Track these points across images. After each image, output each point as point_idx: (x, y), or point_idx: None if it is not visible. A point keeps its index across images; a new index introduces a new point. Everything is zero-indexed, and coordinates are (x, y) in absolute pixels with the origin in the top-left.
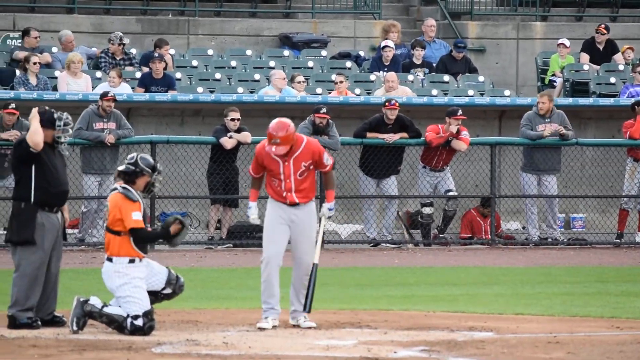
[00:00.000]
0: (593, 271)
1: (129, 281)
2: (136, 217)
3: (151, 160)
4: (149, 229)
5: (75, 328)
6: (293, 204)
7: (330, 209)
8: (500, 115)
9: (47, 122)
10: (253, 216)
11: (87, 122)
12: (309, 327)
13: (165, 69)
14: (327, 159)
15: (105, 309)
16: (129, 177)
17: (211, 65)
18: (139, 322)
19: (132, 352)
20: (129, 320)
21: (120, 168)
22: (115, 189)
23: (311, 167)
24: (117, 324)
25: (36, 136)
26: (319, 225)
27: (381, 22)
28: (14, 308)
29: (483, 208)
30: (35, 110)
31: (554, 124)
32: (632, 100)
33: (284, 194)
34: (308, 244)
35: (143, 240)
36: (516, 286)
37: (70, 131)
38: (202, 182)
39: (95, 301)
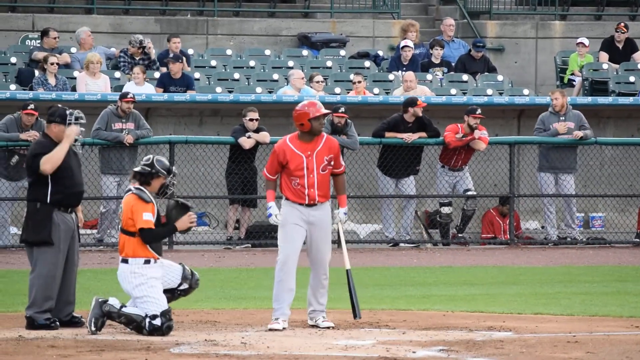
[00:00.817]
0: (612, 270)
1: (145, 281)
2: (146, 217)
3: (167, 162)
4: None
5: (93, 328)
6: (311, 204)
7: (345, 214)
8: (519, 114)
9: (59, 117)
10: (275, 213)
11: (105, 123)
12: (328, 327)
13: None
14: (342, 160)
15: (124, 310)
16: (144, 178)
17: (230, 65)
18: (157, 321)
19: (150, 353)
20: (147, 320)
21: (136, 169)
22: (129, 190)
23: (332, 162)
24: (135, 324)
25: (52, 162)
26: (338, 231)
27: (400, 21)
28: (32, 309)
29: (502, 207)
30: (72, 132)
31: (570, 122)
32: None
33: (306, 192)
34: (326, 244)
35: (152, 239)
36: (535, 286)
37: (83, 129)
38: (221, 182)
39: (114, 302)
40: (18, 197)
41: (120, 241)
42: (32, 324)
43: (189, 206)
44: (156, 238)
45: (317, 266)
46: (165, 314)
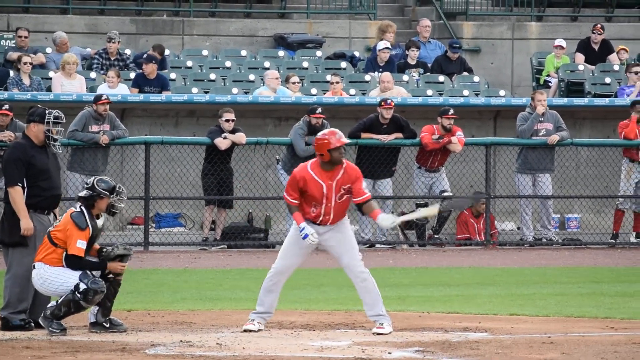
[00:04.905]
0: (588, 272)
1: (63, 280)
2: (79, 245)
3: (110, 182)
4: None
5: (56, 332)
6: (323, 224)
7: (384, 216)
8: (495, 115)
9: (38, 116)
10: (310, 232)
11: (83, 125)
12: (379, 334)
13: (159, 69)
14: (365, 187)
15: (59, 301)
16: (88, 201)
17: (206, 65)
18: (82, 286)
19: (125, 354)
20: (76, 294)
21: (81, 194)
22: (75, 208)
23: (350, 191)
24: (72, 301)
25: (14, 204)
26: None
27: (376, 22)
28: (6, 310)
29: (476, 203)
30: (29, 228)
31: (548, 123)
32: (628, 99)
33: (321, 218)
34: (351, 251)
35: (77, 267)
36: (511, 287)
37: (62, 129)
38: (197, 182)
39: (50, 304)
40: None
41: (42, 247)
42: (7, 325)
43: (126, 255)
44: (82, 268)
45: (349, 272)
46: (82, 278)
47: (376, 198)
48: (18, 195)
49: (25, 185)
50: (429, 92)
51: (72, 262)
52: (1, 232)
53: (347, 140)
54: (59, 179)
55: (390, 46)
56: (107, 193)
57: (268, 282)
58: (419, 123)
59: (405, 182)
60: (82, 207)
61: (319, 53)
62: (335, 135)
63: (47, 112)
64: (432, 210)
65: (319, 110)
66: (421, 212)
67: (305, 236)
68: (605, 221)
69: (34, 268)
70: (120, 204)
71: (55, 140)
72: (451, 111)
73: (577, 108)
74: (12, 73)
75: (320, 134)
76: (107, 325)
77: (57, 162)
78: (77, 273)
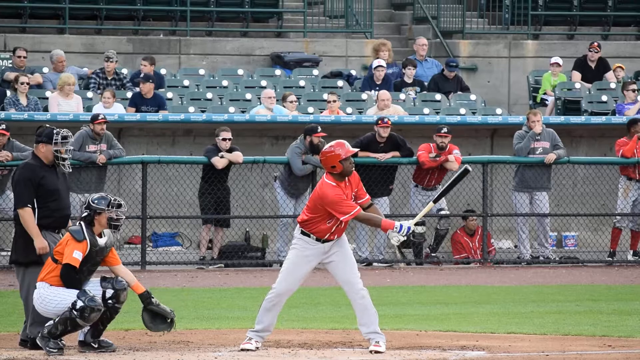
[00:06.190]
0: (585, 290)
1: (60, 299)
2: (75, 255)
3: (106, 197)
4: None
5: (54, 351)
6: (328, 240)
7: (397, 230)
8: (492, 133)
9: (45, 137)
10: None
11: (80, 144)
12: (376, 352)
13: (156, 88)
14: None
15: (56, 319)
16: (87, 219)
17: (202, 84)
18: (79, 304)
19: None
20: (73, 312)
21: (82, 215)
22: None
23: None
24: (69, 319)
25: (24, 224)
26: (399, 246)
27: (373, 41)
28: (36, 327)
29: (467, 221)
30: (44, 246)
31: (545, 141)
32: (625, 118)
33: (330, 232)
34: (352, 269)
35: (68, 277)
36: (508, 305)
37: (71, 147)
38: (194, 202)
39: (49, 322)
40: None
41: (45, 266)
42: (34, 343)
43: (167, 317)
44: (73, 280)
45: (350, 289)
46: (80, 295)
47: None
48: (28, 216)
49: (35, 206)
50: (426, 110)
51: (66, 271)
52: (15, 252)
53: (355, 150)
54: (68, 199)
55: (385, 64)
56: (103, 207)
57: (268, 302)
58: (415, 141)
59: (402, 200)
60: (82, 223)
61: (315, 72)
62: (344, 146)
63: (54, 132)
64: (429, 206)
65: (319, 129)
66: (421, 213)
67: (408, 229)
68: (603, 239)
69: (36, 288)
70: (120, 215)
71: (64, 159)
72: (444, 129)
73: (573, 126)
74: (9, 93)
75: (326, 147)
76: (96, 346)
77: (67, 182)
78: (75, 292)
